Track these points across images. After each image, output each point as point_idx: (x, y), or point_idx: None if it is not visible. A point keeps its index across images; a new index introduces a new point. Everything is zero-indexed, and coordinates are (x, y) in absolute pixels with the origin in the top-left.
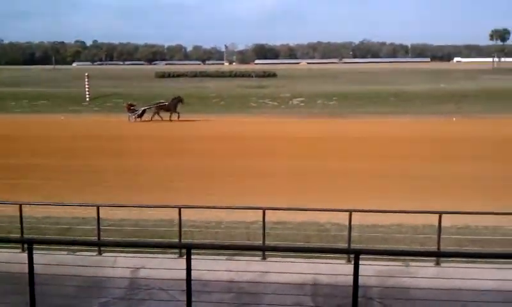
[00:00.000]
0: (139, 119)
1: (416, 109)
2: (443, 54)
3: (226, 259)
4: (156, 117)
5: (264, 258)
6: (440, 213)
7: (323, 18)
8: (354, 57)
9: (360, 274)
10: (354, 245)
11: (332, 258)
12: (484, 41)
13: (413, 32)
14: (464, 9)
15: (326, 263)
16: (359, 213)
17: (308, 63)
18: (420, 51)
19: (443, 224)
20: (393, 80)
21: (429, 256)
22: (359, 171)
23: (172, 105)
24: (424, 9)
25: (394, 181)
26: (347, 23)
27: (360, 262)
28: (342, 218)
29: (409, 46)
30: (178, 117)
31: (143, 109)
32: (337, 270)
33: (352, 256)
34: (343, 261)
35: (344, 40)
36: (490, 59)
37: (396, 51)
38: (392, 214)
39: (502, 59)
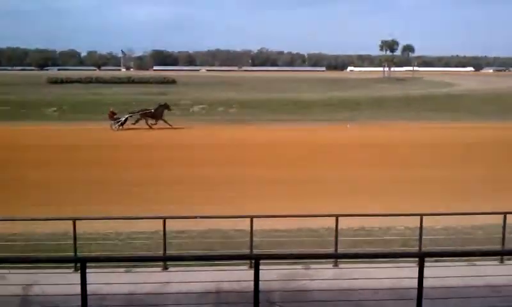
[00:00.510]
0: (121, 127)
1: (314, 116)
2: (338, 63)
3: (125, 272)
4: (136, 125)
5: (166, 268)
6: (337, 216)
7: (222, 26)
8: (253, 65)
9: (262, 278)
10: (255, 251)
11: (234, 264)
12: (375, 51)
13: (309, 42)
14: (358, 20)
15: (228, 270)
16: (262, 219)
17: (207, 70)
18: (316, 60)
19: (340, 226)
20: (291, 88)
21: (327, 258)
22: (257, 177)
23: (158, 113)
24: (319, 20)
25: (289, 186)
26: (246, 32)
27: (263, 267)
28: (246, 224)
29: (306, 55)
30: (170, 124)
31: (126, 116)
32: (240, 277)
33: (253, 261)
34: (245, 268)
35: (243, 48)
36: (381, 69)
37: (294, 60)
38: (293, 218)
39: (392, 69)
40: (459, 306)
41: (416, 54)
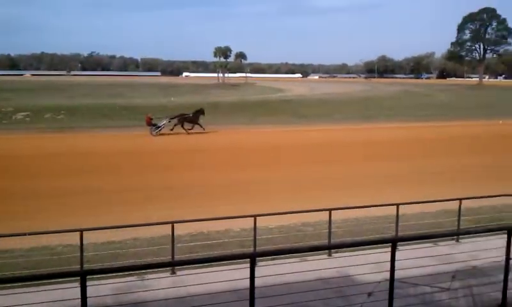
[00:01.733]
0: (159, 132)
1: None
2: (173, 68)
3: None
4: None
5: None
6: (172, 223)
7: (49, 28)
8: (83, 69)
9: (93, 294)
10: (86, 266)
11: (63, 282)
12: (210, 57)
13: (143, 47)
14: (193, 27)
15: (58, 289)
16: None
17: (33, 75)
18: (150, 65)
19: (177, 232)
20: (124, 94)
21: (164, 267)
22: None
23: (196, 117)
24: (154, 25)
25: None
26: (75, 35)
27: (94, 282)
28: (75, 239)
29: (140, 60)
30: (203, 128)
31: (164, 121)
32: (67, 295)
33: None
34: (76, 284)
35: (71, 52)
36: (216, 75)
37: (127, 65)
38: (128, 229)
39: (226, 75)
40: (292, 300)
41: (249, 61)
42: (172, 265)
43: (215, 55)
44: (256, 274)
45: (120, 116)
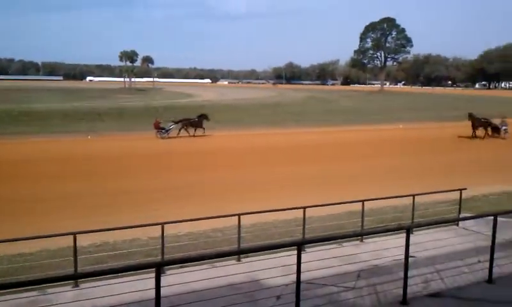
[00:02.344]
0: (166, 135)
1: (51, 128)
2: (76, 72)
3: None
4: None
5: None
6: (74, 234)
7: None
8: None
9: None
10: None
11: None
12: (115, 61)
13: (45, 50)
14: (98, 30)
15: None
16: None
17: None
18: (52, 69)
19: (80, 243)
20: (24, 99)
21: (66, 280)
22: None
23: (200, 122)
24: (55, 28)
25: None
26: None
27: None
28: None
29: (40, 63)
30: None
31: (170, 125)
32: None
33: None
34: None
35: None
36: (122, 79)
37: (26, 68)
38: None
39: (133, 79)
40: None
41: (156, 65)
42: (75, 278)
43: (121, 59)
44: (164, 282)
45: (18, 122)
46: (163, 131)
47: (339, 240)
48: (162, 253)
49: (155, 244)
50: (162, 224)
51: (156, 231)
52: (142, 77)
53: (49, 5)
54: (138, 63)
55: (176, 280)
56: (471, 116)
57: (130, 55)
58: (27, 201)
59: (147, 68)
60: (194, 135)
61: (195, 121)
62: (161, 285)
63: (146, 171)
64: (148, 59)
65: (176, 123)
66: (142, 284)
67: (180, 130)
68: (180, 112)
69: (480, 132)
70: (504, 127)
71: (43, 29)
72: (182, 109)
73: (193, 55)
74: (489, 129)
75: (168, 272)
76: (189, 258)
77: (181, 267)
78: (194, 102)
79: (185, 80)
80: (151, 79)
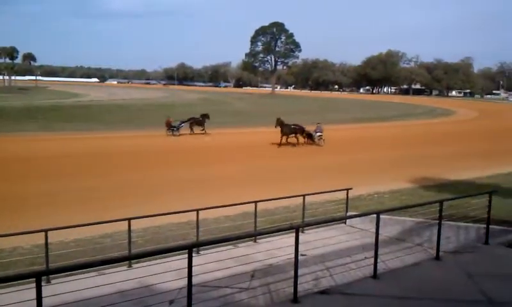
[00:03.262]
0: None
1: None
2: None
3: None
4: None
5: None
6: None
7: None
8: None
9: None
10: None
11: None
12: None
13: None
14: None
15: None
16: None
17: None
18: None
19: None
20: None
21: None
22: None
23: (203, 121)
24: None
25: None
26: None
27: None
28: None
29: None
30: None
31: (179, 124)
32: None
33: None
34: None
35: None
36: (1, 77)
37: None
38: None
39: (13, 77)
40: None
41: (39, 63)
42: None
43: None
44: (49, 292)
45: None
46: (174, 129)
47: (233, 242)
48: (47, 261)
49: (38, 252)
50: (46, 230)
51: (39, 239)
52: (24, 75)
53: None
54: (19, 60)
55: (62, 289)
56: (279, 122)
57: (9, 52)
58: None
59: (29, 65)
60: (202, 133)
61: (200, 120)
62: (46, 295)
63: None
64: (29, 56)
65: (184, 122)
66: (23, 295)
67: (192, 129)
68: (66, 113)
69: (292, 139)
70: (318, 133)
71: None
72: (68, 109)
73: (79, 54)
74: (301, 136)
75: (54, 281)
76: (74, 265)
77: (67, 276)
78: (82, 101)
79: (71, 79)
80: (33, 77)
